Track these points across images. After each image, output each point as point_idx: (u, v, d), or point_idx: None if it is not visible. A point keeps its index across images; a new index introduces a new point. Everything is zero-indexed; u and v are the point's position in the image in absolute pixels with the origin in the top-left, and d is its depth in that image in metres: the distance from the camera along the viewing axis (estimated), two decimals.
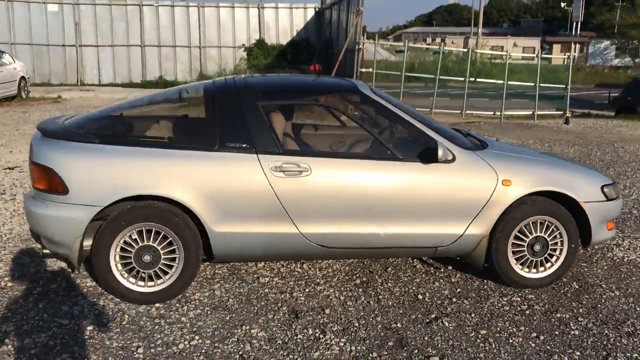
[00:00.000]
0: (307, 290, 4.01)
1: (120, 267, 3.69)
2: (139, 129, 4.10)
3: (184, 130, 4.03)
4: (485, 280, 4.21)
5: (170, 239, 3.67)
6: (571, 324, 3.61)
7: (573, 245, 4.06)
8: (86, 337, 3.35)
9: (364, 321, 3.59)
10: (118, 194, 3.57)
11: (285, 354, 3.20)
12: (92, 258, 3.68)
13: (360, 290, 4.02)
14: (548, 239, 4.03)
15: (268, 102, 3.95)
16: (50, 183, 3.59)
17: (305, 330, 3.46)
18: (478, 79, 17.05)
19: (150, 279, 3.73)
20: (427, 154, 3.82)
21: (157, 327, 3.48)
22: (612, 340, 3.43)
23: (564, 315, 3.73)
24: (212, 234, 3.69)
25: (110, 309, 3.69)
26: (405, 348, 3.28)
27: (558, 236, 4.05)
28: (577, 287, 4.17)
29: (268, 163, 3.69)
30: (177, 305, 3.75)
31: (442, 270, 4.41)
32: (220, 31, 23.64)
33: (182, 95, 4.65)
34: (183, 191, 3.61)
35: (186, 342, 3.30)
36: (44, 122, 4.02)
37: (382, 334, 3.44)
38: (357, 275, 4.27)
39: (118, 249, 3.66)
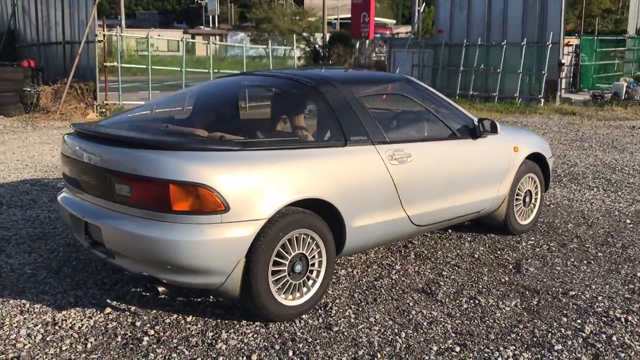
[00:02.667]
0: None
1: (274, 283, 3.34)
2: (263, 130, 3.71)
3: (303, 127, 3.75)
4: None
5: (313, 243, 3.49)
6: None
7: (543, 192, 5.20)
8: None
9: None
10: (279, 202, 3.24)
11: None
12: (248, 279, 3.24)
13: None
14: (532, 191, 5.07)
15: (361, 95, 3.97)
16: (204, 202, 3.03)
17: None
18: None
19: (295, 289, 3.47)
20: (473, 131, 4.42)
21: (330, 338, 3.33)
22: None
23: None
24: (349, 230, 3.62)
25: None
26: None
27: (537, 186, 5.12)
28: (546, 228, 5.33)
29: (384, 152, 3.79)
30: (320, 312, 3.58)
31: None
32: None
33: (253, 89, 4.23)
34: (328, 191, 3.48)
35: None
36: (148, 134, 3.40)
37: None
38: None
39: (272, 263, 3.32)
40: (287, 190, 3.28)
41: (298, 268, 3.41)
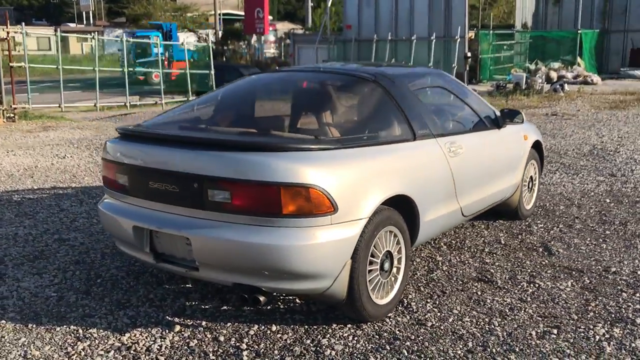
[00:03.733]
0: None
1: (369, 283, 3.28)
2: (343, 128, 3.64)
3: (375, 123, 3.65)
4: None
5: (395, 239, 3.47)
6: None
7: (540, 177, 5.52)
8: None
9: None
10: (377, 200, 3.19)
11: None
12: (351, 281, 3.15)
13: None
14: (533, 176, 5.35)
15: (414, 89, 3.96)
16: (315, 204, 2.91)
17: None
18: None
19: (383, 288, 3.43)
20: (496, 122, 4.59)
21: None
22: None
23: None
24: (422, 224, 3.64)
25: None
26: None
27: (537, 172, 5.41)
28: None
29: (443, 145, 3.84)
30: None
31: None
32: None
33: (314, 86, 4.05)
34: (408, 186, 3.47)
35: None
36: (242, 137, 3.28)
37: None
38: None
39: (367, 263, 3.25)
40: (383, 188, 3.24)
41: (386, 266, 3.37)
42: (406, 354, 3.05)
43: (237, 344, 3.20)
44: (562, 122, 11.60)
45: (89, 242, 4.84)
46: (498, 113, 4.63)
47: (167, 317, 3.53)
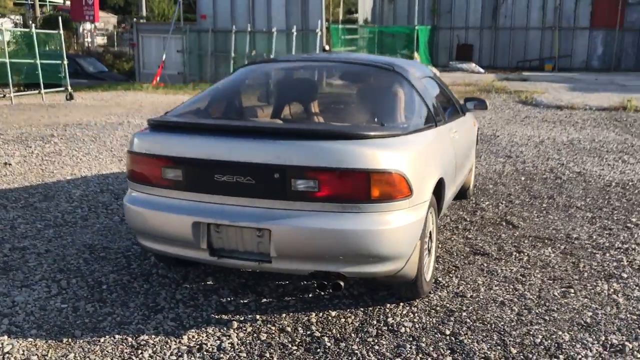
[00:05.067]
0: None
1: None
2: (388, 116, 3.69)
3: (409, 111, 3.76)
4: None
5: (431, 219, 3.71)
6: None
7: None
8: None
9: None
10: (433, 183, 3.42)
11: None
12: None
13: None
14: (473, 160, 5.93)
15: (421, 79, 4.18)
16: (397, 189, 3.06)
17: None
18: None
19: (427, 265, 3.65)
20: (462, 109, 5.02)
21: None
22: None
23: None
24: (445, 203, 3.93)
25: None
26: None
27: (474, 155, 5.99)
28: None
29: (450, 130, 4.17)
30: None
31: None
32: None
33: (339, 75, 4.00)
34: (442, 169, 3.73)
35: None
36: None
37: None
38: None
39: (424, 242, 3.46)
40: (436, 172, 3.47)
41: (430, 245, 3.61)
42: (470, 322, 3.31)
43: (309, 332, 3.22)
44: None
45: (54, 249, 4.41)
46: (462, 101, 5.05)
47: (213, 315, 3.42)
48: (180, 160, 3.17)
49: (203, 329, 3.27)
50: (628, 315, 3.40)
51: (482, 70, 20.24)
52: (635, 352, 3.02)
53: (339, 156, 2.95)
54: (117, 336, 3.19)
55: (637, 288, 3.76)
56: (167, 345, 3.10)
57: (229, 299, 3.62)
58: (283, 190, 3.00)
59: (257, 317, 3.40)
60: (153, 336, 3.19)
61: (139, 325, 3.31)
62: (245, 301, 3.59)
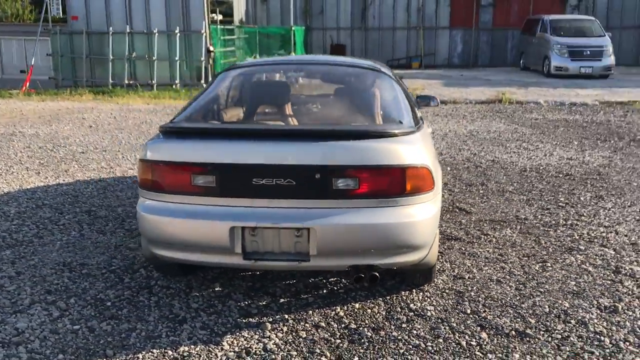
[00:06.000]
0: None
1: None
2: (391, 115, 3.86)
3: (402, 109, 3.92)
4: None
5: None
6: None
7: None
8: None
9: None
10: (441, 175, 3.68)
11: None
12: None
13: None
14: None
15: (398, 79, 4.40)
16: (425, 182, 3.28)
17: None
18: None
19: None
20: (417, 105, 5.35)
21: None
22: None
23: None
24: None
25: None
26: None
27: None
28: None
29: (428, 126, 4.46)
30: None
31: None
32: None
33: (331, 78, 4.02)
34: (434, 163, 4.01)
35: None
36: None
37: None
38: None
39: None
40: (439, 166, 3.73)
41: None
42: (482, 300, 3.63)
43: (343, 325, 3.35)
44: None
45: (25, 270, 4.11)
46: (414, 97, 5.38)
47: (240, 319, 3.43)
48: (215, 166, 3.14)
49: (238, 334, 3.27)
50: (603, 282, 3.90)
51: None
52: (626, 310, 3.49)
53: (378, 154, 3.11)
54: (154, 350, 3.11)
55: (598, 257, 4.30)
56: (213, 354, 3.08)
57: (246, 302, 3.63)
58: (324, 190, 3.10)
59: (285, 316, 3.45)
60: (192, 346, 3.15)
61: (170, 337, 3.24)
62: (263, 303, 3.62)
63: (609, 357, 3.01)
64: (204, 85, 15.73)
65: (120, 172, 6.88)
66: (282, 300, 3.66)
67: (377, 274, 3.26)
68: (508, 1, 22.34)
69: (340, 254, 3.18)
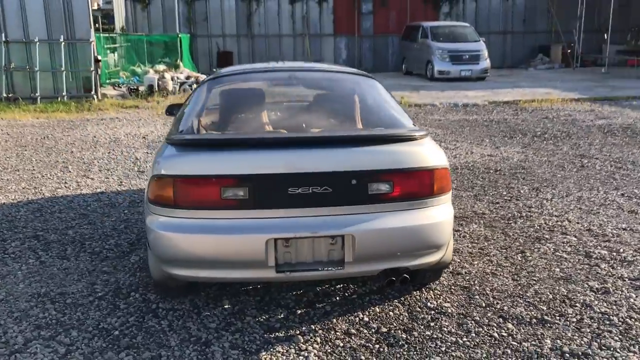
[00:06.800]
0: None
1: None
2: (388, 120, 3.87)
3: (396, 113, 3.95)
4: None
5: None
6: None
7: None
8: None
9: None
10: None
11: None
12: None
13: None
14: None
15: None
16: (448, 183, 3.39)
17: None
18: None
19: None
20: None
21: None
22: None
23: None
24: None
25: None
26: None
27: None
28: None
29: None
30: None
31: None
32: None
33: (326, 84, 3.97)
34: None
35: None
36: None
37: None
38: None
39: None
40: None
41: None
42: (490, 293, 3.80)
43: (373, 330, 3.36)
44: None
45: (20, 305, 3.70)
46: None
47: (267, 335, 3.34)
48: (248, 177, 3.02)
49: (271, 349, 3.18)
50: (583, 266, 4.22)
51: None
52: (616, 291, 3.81)
53: (411, 157, 3.17)
54: None
55: (566, 245, 4.64)
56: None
57: (263, 317, 3.52)
58: (360, 195, 3.10)
59: (311, 327, 3.40)
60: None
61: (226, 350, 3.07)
62: (281, 316, 3.53)
63: (625, 334, 3.27)
64: (95, 97, 14.94)
65: (49, 192, 6.35)
66: (299, 311, 3.59)
67: (408, 276, 3.30)
68: (386, 9, 23.31)
69: (376, 258, 3.19)
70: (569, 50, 22.46)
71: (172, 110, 5.07)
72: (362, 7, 23.09)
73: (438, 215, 3.28)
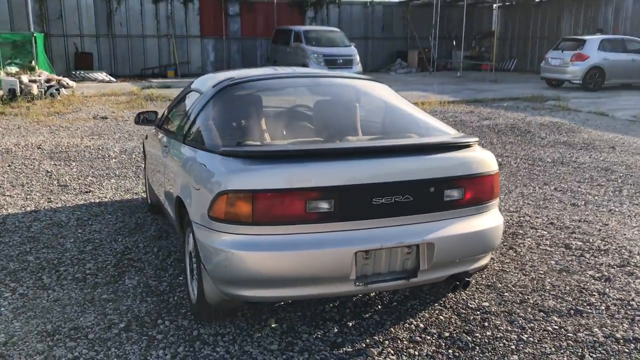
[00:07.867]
0: None
1: None
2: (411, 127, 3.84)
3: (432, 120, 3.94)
4: None
5: None
6: None
7: None
8: None
9: None
10: None
11: None
12: None
13: None
14: None
15: None
16: (499, 188, 3.51)
17: None
18: None
19: None
20: None
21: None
22: None
23: None
24: None
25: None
26: None
27: None
28: None
29: None
30: None
31: None
32: None
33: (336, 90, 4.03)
34: None
35: None
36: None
37: None
38: None
39: None
40: None
41: None
42: (515, 289, 3.98)
43: (435, 335, 3.38)
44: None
45: (4, 350, 3.19)
46: None
47: (336, 351, 3.23)
48: (335, 189, 2.89)
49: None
50: (572, 257, 4.57)
51: (113, 79, 19.65)
52: (618, 278, 4.18)
53: (479, 163, 3.24)
54: None
55: (542, 238, 4.99)
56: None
57: (318, 334, 3.39)
58: (437, 203, 3.11)
59: (375, 339, 3.34)
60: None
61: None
62: (336, 331, 3.43)
63: None
64: None
65: None
66: (350, 324, 3.50)
67: (469, 280, 3.36)
68: (253, 12, 23.26)
69: (448, 264, 3.21)
70: (424, 56, 24.06)
71: (146, 118, 4.66)
72: (229, 9, 22.82)
73: (497, 218, 3.39)
